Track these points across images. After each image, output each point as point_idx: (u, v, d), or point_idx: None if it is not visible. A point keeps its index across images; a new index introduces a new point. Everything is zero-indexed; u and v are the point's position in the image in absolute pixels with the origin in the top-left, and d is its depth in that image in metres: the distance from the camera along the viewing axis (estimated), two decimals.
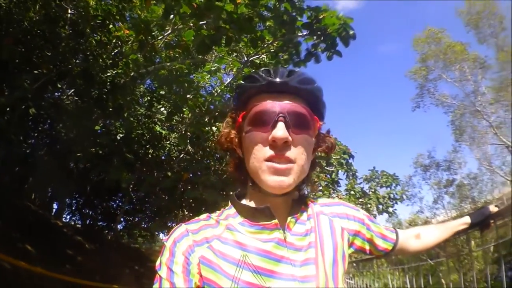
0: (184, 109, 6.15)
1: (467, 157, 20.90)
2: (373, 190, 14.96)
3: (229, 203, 0.89)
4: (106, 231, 16.23)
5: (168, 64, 5.86)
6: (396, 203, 14.52)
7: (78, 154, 6.48)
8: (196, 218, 0.85)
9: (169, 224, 13.35)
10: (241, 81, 0.87)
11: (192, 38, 4.19)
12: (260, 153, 0.75)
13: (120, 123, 5.96)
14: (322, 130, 0.87)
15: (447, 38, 18.35)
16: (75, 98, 5.52)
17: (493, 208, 1.20)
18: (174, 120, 6.91)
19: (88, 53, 4.66)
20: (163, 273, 0.73)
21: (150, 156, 7.17)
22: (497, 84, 17.26)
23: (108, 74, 4.78)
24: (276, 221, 0.79)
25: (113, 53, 5.04)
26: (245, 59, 5.95)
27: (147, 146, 7.07)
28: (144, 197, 15.86)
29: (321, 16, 4.00)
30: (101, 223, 16.71)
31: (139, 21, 4.76)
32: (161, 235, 22.48)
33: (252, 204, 0.84)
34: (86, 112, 5.32)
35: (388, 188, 15.04)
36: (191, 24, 4.20)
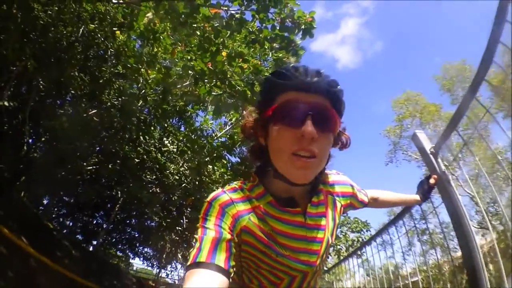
0: (191, 149, 7.27)
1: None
2: (344, 234, 16.27)
3: (257, 179, 0.98)
4: (84, 245, 16.32)
5: (170, 98, 6.81)
6: (365, 246, 15.63)
7: (88, 166, 7.48)
8: (232, 186, 0.95)
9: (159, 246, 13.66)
10: (269, 76, 0.91)
11: (205, 93, 5.35)
12: (287, 147, 0.81)
13: (131, 149, 7.08)
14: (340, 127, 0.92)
15: (423, 100, 19.92)
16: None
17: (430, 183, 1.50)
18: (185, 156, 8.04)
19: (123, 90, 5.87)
20: (211, 224, 0.82)
21: (158, 181, 8.22)
22: (464, 140, 18.68)
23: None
24: (299, 208, 0.93)
25: (140, 93, 6.21)
26: (244, 111, 7.02)
27: (157, 173, 8.13)
28: (125, 219, 16.41)
29: None
30: (79, 236, 16.88)
31: (163, 68, 5.96)
32: (136, 259, 22.12)
33: (275, 188, 0.94)
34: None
35: (358, 233, 16.40)
36: (206, 80, 5.35)
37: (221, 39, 5.14)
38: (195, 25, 5.00)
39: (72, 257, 9.56)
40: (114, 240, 18.39)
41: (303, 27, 4.59)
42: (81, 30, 6.70)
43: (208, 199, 0.89)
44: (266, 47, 5.43)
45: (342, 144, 0.96)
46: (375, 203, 1.32)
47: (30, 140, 9.24)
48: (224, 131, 8.62)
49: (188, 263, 0.74)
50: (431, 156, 1.69)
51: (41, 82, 6.76)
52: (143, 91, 6.18)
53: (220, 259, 0.74)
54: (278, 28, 4.78)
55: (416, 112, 19.92)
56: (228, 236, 0.80)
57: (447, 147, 1.71)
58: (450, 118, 1.56)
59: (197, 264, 0.72)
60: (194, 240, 0.79)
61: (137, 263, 23.79)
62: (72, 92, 6.80)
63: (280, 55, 5.47)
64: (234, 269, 0.79)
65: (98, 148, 7.83)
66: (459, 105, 1.48)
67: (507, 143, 15.92)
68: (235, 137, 7.19)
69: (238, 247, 0.88)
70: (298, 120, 0.80)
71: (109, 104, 6.11)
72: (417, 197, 1.47)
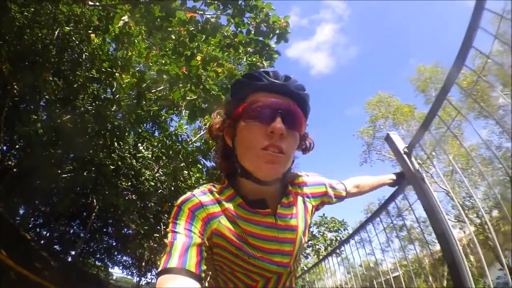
0: (166, 155, 7.28)
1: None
2: (321, 234, 16.52)
3: (226, 182, 0.98)
4: (62, 255, 15.95)
5: (144, 103, 6.75)
6: (343, 245, 15.97)
7: (63, 174, 7.25)
8: (202, 189, 0.94)
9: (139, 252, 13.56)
10: (240, 77, 0.94)
11: (180, 98, 5.31)
12: (258, 143, 0.83)
13: (106, 156, 6.97)
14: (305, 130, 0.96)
15: (397, 101, 20.49)
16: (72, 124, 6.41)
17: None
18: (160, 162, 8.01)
19: (97, 94, 5.75)
20: (181, 228, 0.80)
21: (133, 188, 8.12)
22: (436, 139, 19.39)
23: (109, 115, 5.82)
24: (269, 210, 0.94)
25: (114, 98, 6.11)
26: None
27: (132, 180, 8.04)
28: (101, 228, 16.10)
29: None
30: (56, 246, 16.48)
31: (137, 72, 5.89)
32: (115, 268, 21.81)
33: (245, 190, 0.95)
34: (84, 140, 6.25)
35: (336, 232, 16.69)
36: (180, 85, 5.31)
37: (196, 43, 5.11)
38: (170, 29, 4.96)
39: (52, 268, 9.38)
40: (92, 249, 18.08)
41: (277, 31, 4.62)
42: (56, 32, 6.56)
43: (178, 203, 0.88)
44: (241, 51, 5.44)
45: (306, 147, 0.99)
46: (358, 190, 1.34)
47: (5, 148, 8.94)
48: (199, 135, 8.65)
49: (159, 269, 0.72)
50: (404, 156, 1.73)
51: (15, 86, 6.55)
52: (117, 96, 6.09)
53: (191, 264, 0.73)
54: (253, 32, 4.79)
55: (389, 113, 20.39)
56: (199, 240, 0.79)
57: (421, 146, 1.73)
58: (423, 117, 1.60)
59: (168, 270, 0.71)
60: (165, 245, 0.78)
61: (117, 272, 23.39)
62: (47, 97, 6.63)
63: (254, 59, 5.50)
64: (209, 273, 0.82)
65: (72, 155, 7.64)
66: (431, 107, 1.51)
67: (480, 140, 16.73)
68: (210, 141, 7.20)
69: (210, 250, 0.88)
70: (268, 117, 0.83)
71: (83, 109, 5.99)
72: (393, 176, 1.59)
